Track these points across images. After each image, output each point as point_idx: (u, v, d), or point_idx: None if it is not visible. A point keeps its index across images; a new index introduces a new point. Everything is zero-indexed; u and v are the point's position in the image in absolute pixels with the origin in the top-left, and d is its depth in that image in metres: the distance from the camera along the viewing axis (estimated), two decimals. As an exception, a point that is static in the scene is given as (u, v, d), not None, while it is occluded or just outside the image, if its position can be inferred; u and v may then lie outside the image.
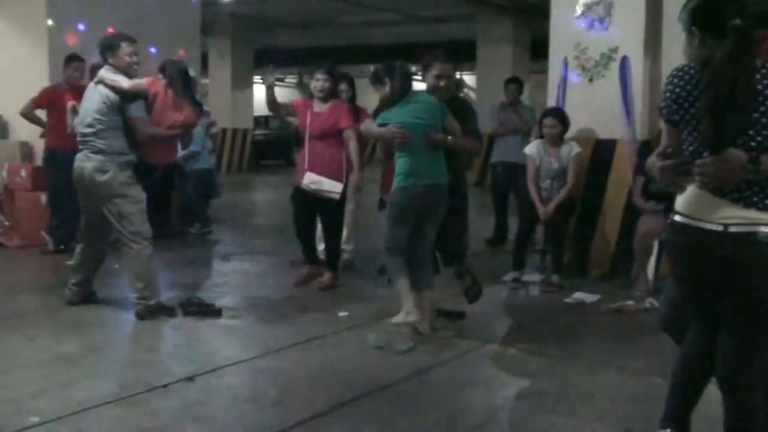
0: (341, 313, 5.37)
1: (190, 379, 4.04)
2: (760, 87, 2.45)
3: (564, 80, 6.77)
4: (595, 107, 6.57)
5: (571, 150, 6.37)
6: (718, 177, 2.47)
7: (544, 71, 7.18)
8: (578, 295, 5.93)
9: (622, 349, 4.73)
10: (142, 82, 5.25)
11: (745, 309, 2.56)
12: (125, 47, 5.28)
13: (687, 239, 2.61)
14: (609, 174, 6.62)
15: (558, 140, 6.40)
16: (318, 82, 5.96)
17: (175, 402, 3.74)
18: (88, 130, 5.17)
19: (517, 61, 15.27)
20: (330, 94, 6.02)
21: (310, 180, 5.88)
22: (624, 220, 6.45)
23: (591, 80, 6.63)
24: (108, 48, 5.32)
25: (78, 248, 5.49)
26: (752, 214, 2.47)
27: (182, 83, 5.32)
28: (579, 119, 6.58)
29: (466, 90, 19.83)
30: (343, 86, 6.61)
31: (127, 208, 5.13)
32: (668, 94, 2.64)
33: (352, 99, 6.72)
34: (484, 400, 3.85)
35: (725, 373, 2.68)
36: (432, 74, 4.92)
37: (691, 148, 2.61)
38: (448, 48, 5.91)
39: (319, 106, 6.00)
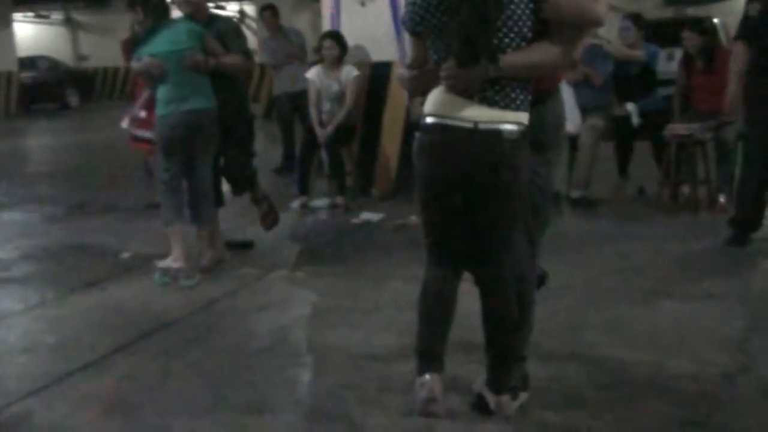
0: (123, 254, 5.17)
1: (-44, 337, 3.75)
2: None
3: (337, 5, 6.79)
4: (369, 31, 6.65)
5: (349, 72, 6.45)
6: (463, 80, 2.60)
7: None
8: (364, 215, 6.09)
9: (405, 260, 4.91)
10: None
11: (490, 203, 2.70)
12: None
13: (439, 137, 2.72)
14: (387, 96, 6.78)
15: (337, 62, 6.46)
16: None
17: (-61, 363, 3.46)
18: None
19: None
20: None
21: None
22: (404, 141, 6.65)
23: (363, 4, 6.70)
24: None
25: None
26: (496, 113, 2.62)
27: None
28: (355, 43, 6.65)
29: (247, 21, 19.39)
30: None
31: None
32: (411, 7, 2.72)
33: None
34: (273, 324, 3.88)
35: (478, 269, 2.83)
36: None
37: (435, 56, 2.70)
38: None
39: None
